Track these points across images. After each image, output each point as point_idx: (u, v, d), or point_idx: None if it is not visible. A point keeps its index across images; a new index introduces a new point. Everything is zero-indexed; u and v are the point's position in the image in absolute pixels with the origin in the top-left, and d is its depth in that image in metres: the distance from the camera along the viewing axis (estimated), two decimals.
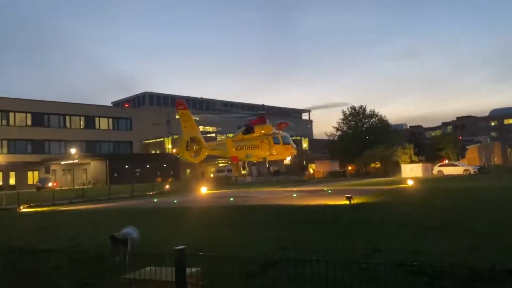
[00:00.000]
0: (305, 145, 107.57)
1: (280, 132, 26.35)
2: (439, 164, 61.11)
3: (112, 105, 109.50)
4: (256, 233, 12.26)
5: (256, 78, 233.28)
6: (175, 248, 4.79)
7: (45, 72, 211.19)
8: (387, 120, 75.77)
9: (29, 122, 71.79)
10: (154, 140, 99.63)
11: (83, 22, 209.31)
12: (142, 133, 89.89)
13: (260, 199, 26.60)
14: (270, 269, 7.24)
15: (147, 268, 5.61)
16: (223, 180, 58.24)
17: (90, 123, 78.57)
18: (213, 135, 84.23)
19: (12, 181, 67.17)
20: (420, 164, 60.16)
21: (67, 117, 76.02)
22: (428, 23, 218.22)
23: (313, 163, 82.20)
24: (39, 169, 70.09)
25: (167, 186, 45.00)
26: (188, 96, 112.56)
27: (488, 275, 6.48)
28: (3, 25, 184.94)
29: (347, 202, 19.51)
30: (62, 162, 70.39)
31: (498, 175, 45.55)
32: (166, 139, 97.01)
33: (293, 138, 35.03)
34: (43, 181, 61.47)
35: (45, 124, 73.04)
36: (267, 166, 33.89)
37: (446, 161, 66.52)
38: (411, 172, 55.24)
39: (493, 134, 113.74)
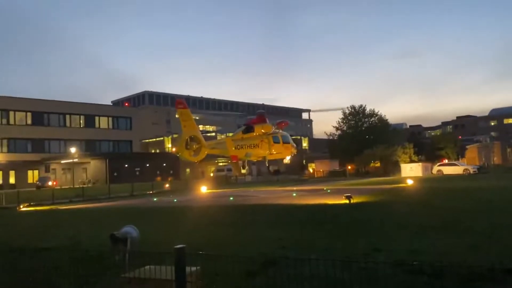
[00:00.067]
0: (305, 144, 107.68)
1: (280, 131, 26.33)
2: (438, 164, 61.15)
3: (112, 104, 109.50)
4: (256, 232, 12.26)
5: (256, 78, 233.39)
6: (175, 247, 4.79)
7: (45, 71, 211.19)
8: (387, 120, 75.82)
9: (29, 121, 71.79)
10: (154, 139, 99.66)
11: (83, 21, 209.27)
12: (142, 132, 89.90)
13: (260, 198, 26.61)
14: (270, 268, 7.24)
15: (147, 267, 5.62)
16: (223, 179, 58.22)
17: (90, 122, 78.57)
18: (213, 134, 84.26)
19: (12, 180, 67.21)
20: (420, 163, 60.20)
21: (67, 116, 76.01)
22: (428, 22, 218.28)
23: (313, 162, 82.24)
24: (39, 168, 70.12)
25: (167, 185, 45.01)
26: (188, 96, 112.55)
27: (488, 275, 6.49)
28: (3, 25, 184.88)
29: (347, 201, 19.51)
30: (62, 161, 70.42)
31: (497, 175, 45.56)
32: (166, 138, 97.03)
33: (293, 137, 35.02)
34: (43, 180, 61.45)
35: (45, 123, 73.03)
36: (267, 165, 33.85)
37: (446, 161, 66.57)
38: (411, 172, 55.29)
39: (492, 133, 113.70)
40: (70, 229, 14.89)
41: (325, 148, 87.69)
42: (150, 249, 7.98)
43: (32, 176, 69.25)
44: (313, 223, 13.88)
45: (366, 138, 70.58)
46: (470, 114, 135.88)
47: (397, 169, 59.77)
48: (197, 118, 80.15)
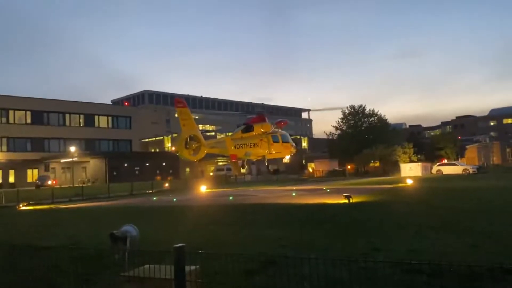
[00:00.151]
0: (304, 144, 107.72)
1: (280, 130, 26.31)
2: (438, 164, 61.19)
3: (111, 103, 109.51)
4: (256, 232, 12.26)
5: (256, 77, 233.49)
6: (174, 246, 4.79)
7: (45, 71, 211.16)
8: (386, 120, 75.81)
9: (28, 120, 71.77)
10: (154, 139, 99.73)
11: (83, 21, 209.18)
12: (141, 131, 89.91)
13: (260, 197, 26.62)
14: (269, 268, 7.25)
15: (146, 266, 5.61)
16: (223, 179, 58.20)
17: (89, 121, 78.54)
18: (213, 133, 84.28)
19: (11, 179, 67.20)
20: (419, 163, 60.24)
21: (67, 115, 75.99)
22: (428, 22, 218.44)
23: (313, 162, 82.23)
24: (39, 167, 70.10)
25: (167, 185, 45.00)
26: (188, 95, 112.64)
27: (488, 274, 6.50)
28: (3, 25, 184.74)
29: (346, 201, 19.52)
30: (62, 160, 70.40)
31: (497, 175, 45.57)
32: (165, 137, 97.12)
33: (293, 137, 34.99)
34: (42, 179, 61.44)
35: (44, 122, 73.01)
36: (266, 164, 33.81)
37: (445, 161, 66.59)
38: (410, 172, 55.30)
39: (492, 133, 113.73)
40: (70, 228, 14.89)
41: (324, 147, 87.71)
42: (150, 248, 7.98)
43: (32, 175, 69.25)
44: (312, 223, 13.89)
45: (365, 138, 70.58)
46: (470, 114, 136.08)
47: (397, 169, 59.78)
48: (197, 117, 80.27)
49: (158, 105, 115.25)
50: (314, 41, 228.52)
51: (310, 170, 78.61)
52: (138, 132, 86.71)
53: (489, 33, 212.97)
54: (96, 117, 79.62)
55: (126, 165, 70.06)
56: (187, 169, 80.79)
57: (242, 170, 27.36)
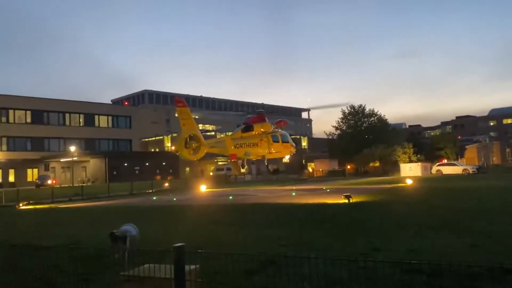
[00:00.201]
0: (304, 143, 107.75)
1: (279, 130, 26.31)
2: (438, 164, 61.20)
3: (111, 103, 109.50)
4: (255, 231, 12.27)
5: (256, 77, 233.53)
6: (174, 245, 4.79)
7: (45, 70, 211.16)
8: (386, 120, 75.84)
9: (28, 120, 71.78)
10: (154, 138, 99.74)
11: (83, 21, 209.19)
12: (141, 131, 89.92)
13: (259, 197, 26.61)
14: (269, 267, 7.25)
15: (146, 266, 5.62)
16: (223, 179, 58.21)
17: (89, 120, 78.55)
18: (213, 133, 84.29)
19: (11, 178, 67.19)
20: (419, 163, 60.26)
21: (67, 115, 76.01)
22: (428, 22, 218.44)
23: (312, 161, 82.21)
24: (39, 167, 70.12)
25: (166, 184, 45.02)
26: (188, 95, 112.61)
27: (488, 274, 6.50)
28: (3, 25, 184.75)
29: (346, 201, 19.53)
30: (62, 160, 70.42)
31: (496, 175, 45.58)
32: (165, 137, 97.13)
33: (293, 136, 35.00)
34: (42, 178, 61.49)
35: (44, 122, 73.03)
36: (266, 164, 33.84)
37: (445, 161, 66.61)
38: (410, 171, 55.32)
39: (492, 134, 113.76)
40: (70, 228, 14.89)
41: (324, 147, 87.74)
42: (150, 247, 7.98)
43: (32, 174, 69.27)
44: (312, 223, 13.89)
45: (365, 137, 70.59)
46: (470, 114, 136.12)
47: (396, 169, 59.80)
48: (197, 117, 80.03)
49: (158, 105, 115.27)
50: (314, 41, 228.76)
51: (310, 170, 78.61)
52: (138, 132, 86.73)
53: (489, 33, 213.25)
54: (96, 116, 79.64)
55: (126, 164, 70.07)
56: (187, 169, 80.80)
57: (242, 170, 27.35)
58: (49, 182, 58.68)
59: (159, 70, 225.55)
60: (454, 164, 59.76)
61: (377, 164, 67.54)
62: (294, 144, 27.48)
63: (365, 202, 19.89)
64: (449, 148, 78.04)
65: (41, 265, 7.40)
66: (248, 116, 27.73)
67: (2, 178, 66.58)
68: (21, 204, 27.06)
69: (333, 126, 78.08)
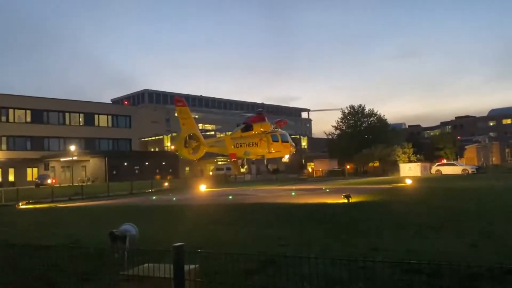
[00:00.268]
0: (304, 143, 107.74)
1: (279, 130, 26.33)
2: (437, 164, 61.23)
3: (111, 102, 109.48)
4: (255, 231, 12.26)
5: (256, 77, 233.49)
6: (174, 245, 4.79)
7: (45, 70, 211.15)
8: (386, 120, 75.93)
9: (28, 119, 71.76)
10: (153, 138, 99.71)
11: (83, 20, 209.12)
12: (141, 130, 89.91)
13: (259, 197, 26.60)
14: (269, 267, 7.25)
15: (146, 265, 5.61)
16: (222, 178, 58.20)
17: (89, 120, 78.54)
18: (212, 133, 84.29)
19: (11, 178, 67.17)
20: (419, 163, 60.30)
21: (67, 114, 76.00)
22: (428, 22, 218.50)
23: (312, 161, 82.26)
24: (38, 166, 70.11)
25: (166, 184, 45.01)
26: (188, 94, 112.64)
27: (488, 274, 6.49)
28: (3, 25, 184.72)
29: (346, 200, 19.52)
30: (61, 159, 70.41)
31: (496, 175, 45.59)
32: (165, 136, 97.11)
33: (292, 136, 35.00)
34: (42, 177, 61.49)
35: (44, 121, 73.01)
36: (266, 164, 33.82)
37: (445, 161, 66.64)
38: (409, 171, 55.35)
39: (491, 134, 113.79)
40: (69, 227, 14.89)
41: (324, 147, 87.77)
42: (149, 247, 7.98)
43: (32, 174, 69.25)
44: (312, 222, 13.88)
45: (365, 137, 70.66)
46: (469, 115, 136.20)
47: (396, 168, 59.84)
48: (197, 116, 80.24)
49: (158, 104, 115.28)
50: (314, 40, 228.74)
51: (310, 169, 78.65)
52: (138, 131, 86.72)
53: (489, 33, 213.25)
54: (96, 116, 79.62)
55: (125, 164, 70.05)
56: (187, 168, 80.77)
57: (242, 170, 27.37)
58: (49, 181, 58.65)
59: (159, 69, 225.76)
60: (453, 164, 59.79)
61: (377, 164, 67.58)
62: (293, 144, 27.50)
63: (364, 202, 19.88)
64: (448, 148, 78.07)
65: (41, 265, 7.39)
66: (247, 115, 27.71)
67: (2, 177, 66.55)
68: (20, 204, 27.04)
69: (332, 126, 78.33)
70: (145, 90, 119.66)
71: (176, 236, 10.85)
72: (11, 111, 69.83)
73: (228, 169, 61.34)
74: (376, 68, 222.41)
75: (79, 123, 77.83)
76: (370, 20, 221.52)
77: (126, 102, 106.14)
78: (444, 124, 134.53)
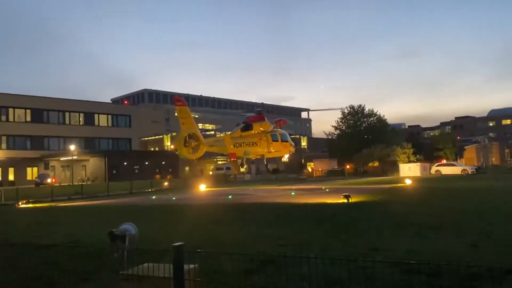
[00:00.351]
0: (304, 143, 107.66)
1: (279, 129, 26.34)
2: (437, 164, 61.22)
3: (111, 102, 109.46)
4: (255, 231, 12.26)
5: (256, 76, 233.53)
6: (173, 244, 4.78)
7: (45, 69, 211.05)
8: (385, 120, 75.96)
9: (28, 118, 71.73)
10: (153, 137, 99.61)
11: (83, 20, 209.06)
12: (141, 130, 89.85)
13: (259, 197, 26.59)
14: (268, 267, 7.24)
15: (145, 265, 5.61)
16: (222, 178, 58.18)
17: (89, 119, 78.51)
18: (212, 133, 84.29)
19: (11, 177, 67.13)
20: (418, 163, 60.26)
21: (67, 114, 75.98)
22: (428, 22, 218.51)
23: (312, 161, 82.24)
24: (38, 165, 70.08)
25: (166, 183, 45.00)
26: (188, 94, 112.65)
27: (488, 275, 6.49)
28: (3, 25, 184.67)
29: (345, 200, 19.52)
30: (61, 159, 70.40)
31: (495, 175, 45.61)
32: (165, 136, 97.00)
33: (292, 136, 35.01)
34: (42, 177, 61.48)
35: (44, 120, 72.98)
36: (266, 164, 33.80)
37: (444, 161, 66.65)
38: (409, 172, 55.34)
39: (491, 134, 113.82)
40: (69, 227, 14.88)
41: (324, 147, 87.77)
42: (149, 246, 7.98)
43: (31, 173, 69.21)
44: (311, 222, 13.88)
45: (365, 137, 70.69)
46: (469, 115, 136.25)
47: (396, 169, 59.83)
48: (197, 116, 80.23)
49: (158, 104, 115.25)
50: (314, 40, 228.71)
51: (309, 169, 78.65)
52: (137, 131, 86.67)
53: (489, 33, 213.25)
54: (96, 115, 79.59)
55: (125, 163, 70.03)
56: (187, 168, 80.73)
57: (242, 169, 27.38)
58: (49, 180, 58.64)
59: (158, 69, 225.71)
60: (453, 165, 59.79)
61: (376, 164, 67.58)
62: (293, 144, 27.50)
63: (364, 202, 19.88)
64: (448, 148, 78.08)
65: (41, 264, 7.40)
66: (247, 115, 27.71)
67: (2, 176, 66.48)
68: (20, 203, 27.04)
69: (332, 126, 78.36)
70: (145, 89, 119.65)
71: (175, 235, 10.84)
72: (11, 110, 69.79)
73: (228, 168, 61.34)
74: (376, 68, 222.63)
75: (79, 123, 77.79)
76: (370, 20, 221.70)
77: (126, 102, 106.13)
78: (444, 124, 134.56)
